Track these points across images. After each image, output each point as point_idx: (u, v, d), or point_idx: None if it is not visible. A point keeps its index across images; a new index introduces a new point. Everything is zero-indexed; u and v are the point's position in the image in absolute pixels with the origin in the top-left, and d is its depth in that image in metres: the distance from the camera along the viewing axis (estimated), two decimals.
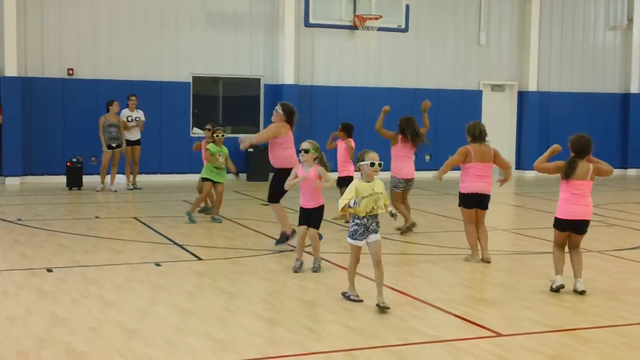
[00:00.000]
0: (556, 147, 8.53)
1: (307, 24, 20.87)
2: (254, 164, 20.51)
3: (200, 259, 10.23)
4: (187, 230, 12.45)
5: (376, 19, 20.57)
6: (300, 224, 9.51)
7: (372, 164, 7.73)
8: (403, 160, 12.33)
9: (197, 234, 12.16)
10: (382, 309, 7.54)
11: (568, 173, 8.39)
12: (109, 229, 12.57)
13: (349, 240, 7.84)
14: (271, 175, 11.45)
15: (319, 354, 6.31)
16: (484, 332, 6.96)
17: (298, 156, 9.76)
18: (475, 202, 10.16)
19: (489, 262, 10.01)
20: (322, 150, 9.48)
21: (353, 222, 7.76)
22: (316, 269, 9.44)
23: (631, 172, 25.15)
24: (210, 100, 21.53)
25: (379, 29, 20.81)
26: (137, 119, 18.22)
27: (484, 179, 10.10)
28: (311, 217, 9.40)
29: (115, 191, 17.45)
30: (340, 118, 18.57)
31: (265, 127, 20.44)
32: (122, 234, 12.07)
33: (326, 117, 21.46)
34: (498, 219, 14.56)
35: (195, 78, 20.89)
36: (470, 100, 23.42)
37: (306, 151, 9.29)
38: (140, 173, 18.72)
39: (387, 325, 7.22)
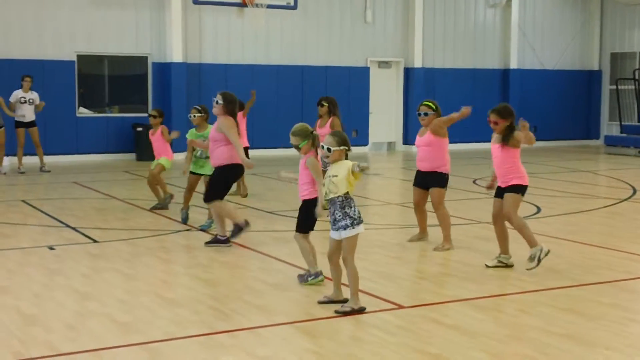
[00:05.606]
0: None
1: (196, 1, 20.69)
2: (142, 143, 20.14)
3: (95, 241, 10.03)
4: (79, 212, 12.18)
5: None
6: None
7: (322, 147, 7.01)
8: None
9: (90, 216, 11.91)
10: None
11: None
12: None
13: None
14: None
15: (224, 333, 6.32)
16: (385, 304, 7.10)
17: None
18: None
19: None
20: None
21: None
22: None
23: None
24: (96, 80, 21.00)
25: (268, 6, 20.81)
26: (31, 101, 17.53)
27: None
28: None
29: (5, 174, 16.89)
30: None
31: (154, 106, 20.18)
32: (11, 217, 11.70)
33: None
34: (388, 194, 14.85)
35: (79, 57, 20.34)
36: (358, 77, 23.66)
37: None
38: (25, 155, 17.97)
39: (292, 301, 7.28)
